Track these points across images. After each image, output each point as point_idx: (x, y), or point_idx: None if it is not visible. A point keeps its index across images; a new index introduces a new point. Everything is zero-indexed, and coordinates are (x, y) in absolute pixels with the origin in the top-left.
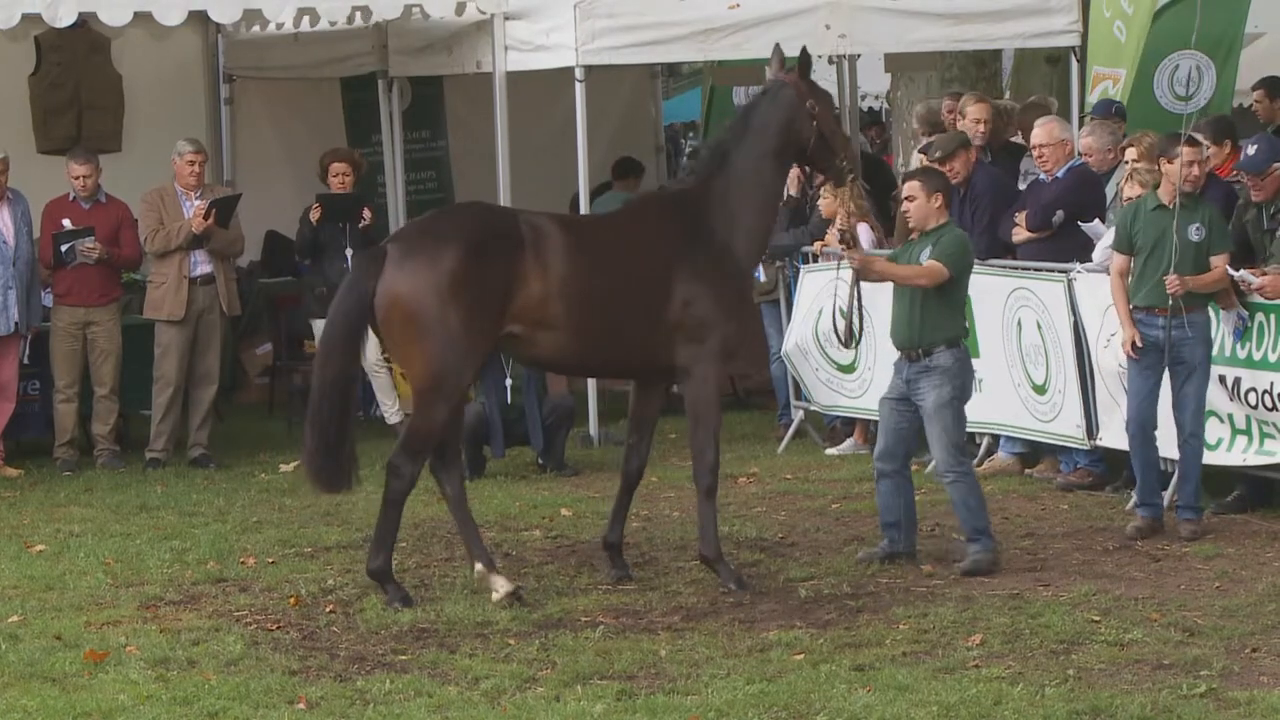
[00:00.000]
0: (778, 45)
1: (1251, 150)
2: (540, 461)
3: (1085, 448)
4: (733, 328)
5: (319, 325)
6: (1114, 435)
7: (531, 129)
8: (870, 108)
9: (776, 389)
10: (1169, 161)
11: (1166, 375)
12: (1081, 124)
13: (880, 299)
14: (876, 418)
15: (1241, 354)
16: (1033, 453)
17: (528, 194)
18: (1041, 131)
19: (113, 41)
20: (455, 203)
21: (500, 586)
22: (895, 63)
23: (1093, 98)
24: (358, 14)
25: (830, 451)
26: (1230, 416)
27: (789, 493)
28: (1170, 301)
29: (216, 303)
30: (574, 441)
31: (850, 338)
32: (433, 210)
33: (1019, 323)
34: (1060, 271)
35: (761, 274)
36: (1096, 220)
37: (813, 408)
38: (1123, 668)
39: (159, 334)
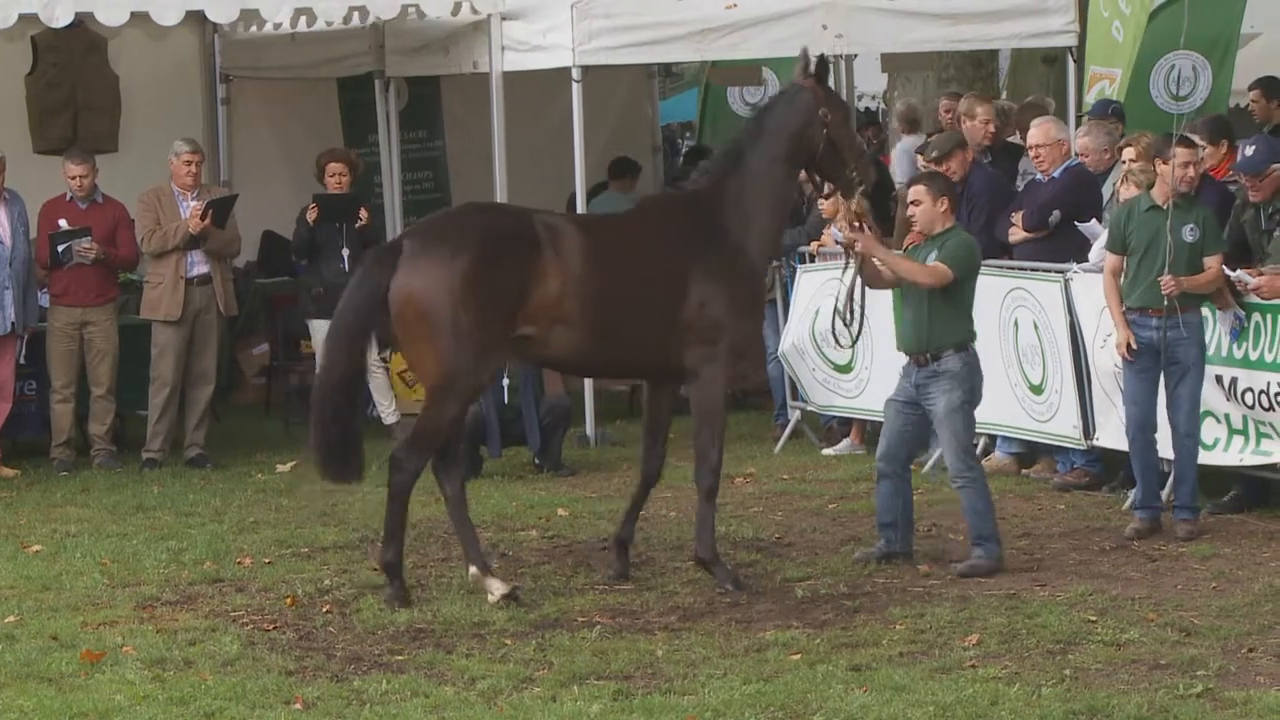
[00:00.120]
0: (805, 49)
1: (1250, 151)
2: (537, 461)
3: (1082, 448)
4: (744, 330)
5: (316, 325)
6: (1111, 435)
7: (528, 129)
8: (867, 108)
9: (773, 389)
10: (1163, 162)
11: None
12: (1078, 124)
13: (880, 300)
14: (873, 418)
15: (1238, 354)
16: (1029, 453)
17: (524, 194)
18: (1038, 132)
19: (109, 41)
20: (469, 202)
21: (496, 589)
22: (892, 63)
23: (1090, 98)
24: (354, 14)
25: (827, 452)
26: (1227, 416)
27: (785, 493)
28: (1165, 302)
29: (213, 303)
30: (570, 442)
31: (849, 336)
32: (447, 208)
33: (1016, 323)
34: (1057, 272)
35: None
36: (1094, 220)
37: (809, 408)
38: (1119, 668)
39: (156, 334)
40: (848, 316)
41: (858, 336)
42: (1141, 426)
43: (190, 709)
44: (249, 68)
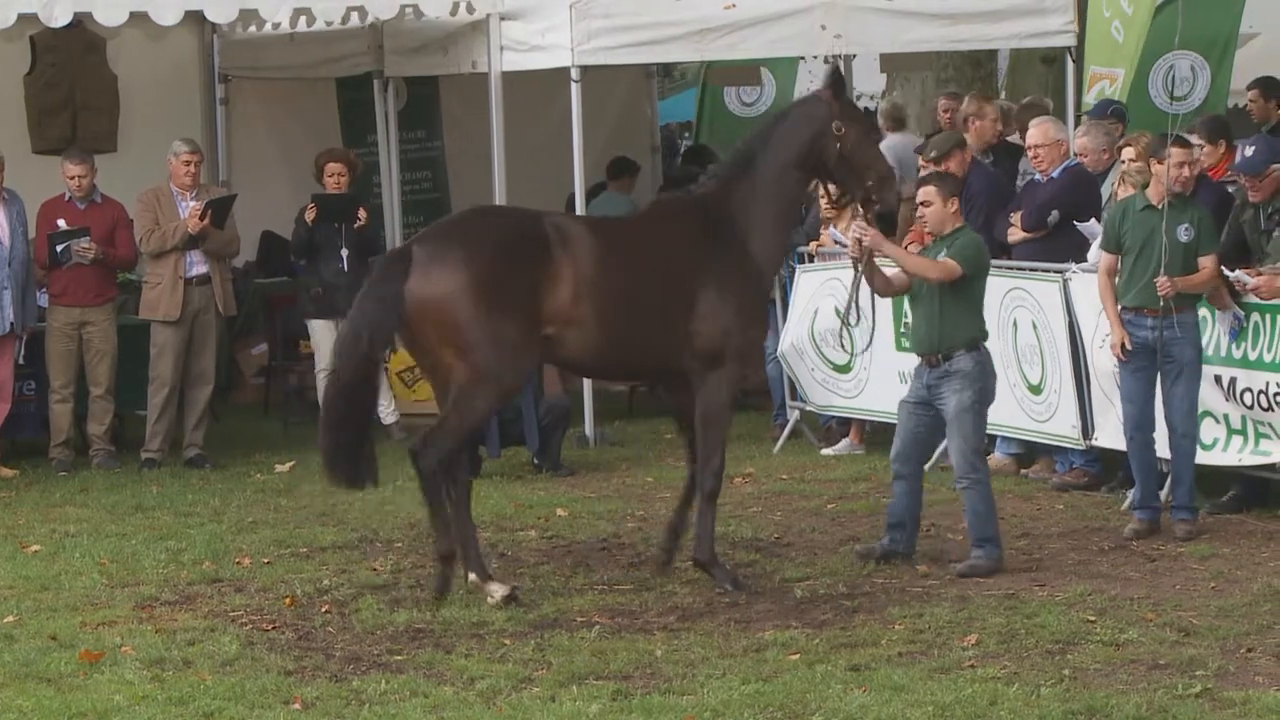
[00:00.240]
0: (836, 67)
1: (1249, 151)
2: (536, 461)
3: (1080, 448)
4: (751, 334)
5: (314, 325)
6: (1109, 435)
7: (527, 129)
8: (865, 108)
9: (772, 389)
10: (1159, 162)
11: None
12: (1077, 124)
13: (880, 302)
14: (872, 418)
15: (1237, 354)
16: (1028, 453)
17: (523, 194)
18: (1036, 132)
19: (108, 41)
20: (476, 206)
21: (496, 592)
22: (891, 63)
23: (1090, 98)
24: (353, 14)
25: (826, 452)
26: (1226, 416)
27: (784, 493)
28: (1161, 303)
29: (212, 303)
30: (570, 442)
31: (863, 341)
32: (456, 212)
33: (1014, 323)
34: (1055, 272)
35: None
36: (1093, 220)
37: (808, 408)
38: (1118, 668)
39: (154, 334)
40: (852, 319)
41: (870, 343)
42: (1139, 426)
43: (189, 709)
44: (248, 68)
